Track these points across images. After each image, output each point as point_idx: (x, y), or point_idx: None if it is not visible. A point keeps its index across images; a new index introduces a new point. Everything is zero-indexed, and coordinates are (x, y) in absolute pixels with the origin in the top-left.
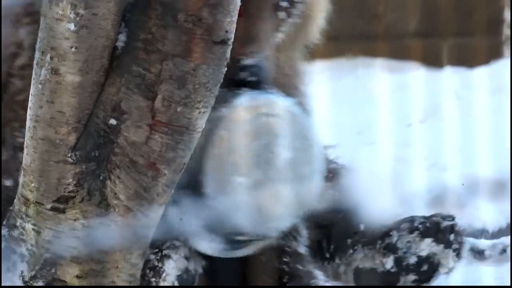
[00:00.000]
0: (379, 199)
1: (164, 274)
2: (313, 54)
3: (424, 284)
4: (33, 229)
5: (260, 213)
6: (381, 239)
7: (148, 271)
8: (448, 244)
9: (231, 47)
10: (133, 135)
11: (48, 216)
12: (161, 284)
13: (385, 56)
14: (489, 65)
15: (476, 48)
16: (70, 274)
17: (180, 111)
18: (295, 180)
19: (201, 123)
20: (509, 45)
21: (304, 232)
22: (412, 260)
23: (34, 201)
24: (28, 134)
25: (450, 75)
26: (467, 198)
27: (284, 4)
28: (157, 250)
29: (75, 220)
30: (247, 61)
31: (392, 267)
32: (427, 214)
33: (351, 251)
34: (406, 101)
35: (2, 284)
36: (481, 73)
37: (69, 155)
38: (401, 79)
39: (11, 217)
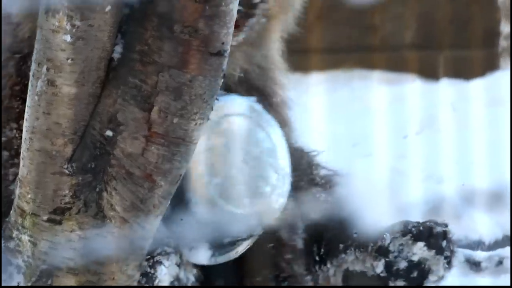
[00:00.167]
0: (375, 210)
1: (157, 281)
2: (309, 66)
3: None
4: (29, 240)
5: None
6: (374, 242)
7: (140, 277)
8: (439, 251)
9: (227, 58)
10: (130, 146)
11: (45, 227)
12: None
13: (381, 68)
14: (486, 77)
15: (473, 60)
16: (66, 285)
17: (176, 122)
18: (259, 184)
19: (197, 134)
20: (505, 57)
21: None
22: (403, 265)
23: (30, 213)
24: (24, 145)
25: (447, 87)
26: (463, 209)
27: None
28: (148, 256)
29: (71, 231)
30: None
31: (382, 272)
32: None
33: (343, 255)
34: (402, 113)
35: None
36: (477, 85)
37: (66, 166)
38: (397, 91)
39: (7, 228)
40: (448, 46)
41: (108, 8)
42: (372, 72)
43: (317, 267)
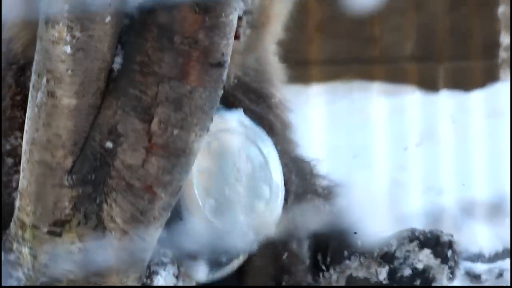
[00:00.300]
0: (375, 222)
1: None
2: (309, 77)
3: None
4: (29, 253)
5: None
6: (380, 248)
7: None
8: (445, 260)
9: (227, 69)
10: (130, 158)
11: (45, 239)
12: None
13: (381, 79)
14: (485, 88)
15: (473, 71)
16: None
17: (176, 134)
18: (253, 199)
19: (197, 146)
20: (505, 68)
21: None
22: (407, 272)
23: (30, 225)
24: (24, 157)
25: (446, 98)
26: (463, 221)
27: None
28: None
29: (71, 243)
30: None
31: (384, 279)
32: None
33: (347, 261)
34: (402, 125)
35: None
36: (477, 96)
37: (66, 178)
38: (397, 102)
39: (7, 241)
40: (447, 58)
41: (108, 18)
42: (372, 83)
43: (321, 275)
